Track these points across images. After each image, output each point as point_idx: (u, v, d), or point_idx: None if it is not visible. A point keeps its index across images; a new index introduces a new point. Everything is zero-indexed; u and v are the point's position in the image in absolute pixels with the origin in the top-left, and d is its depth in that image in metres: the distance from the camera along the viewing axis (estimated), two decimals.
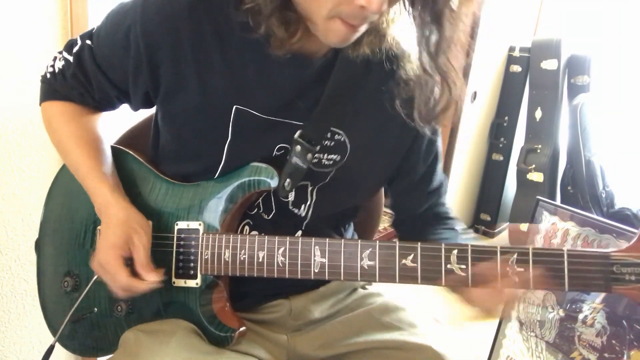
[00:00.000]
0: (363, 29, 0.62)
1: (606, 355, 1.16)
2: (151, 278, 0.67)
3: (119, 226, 0.69)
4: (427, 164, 0.83)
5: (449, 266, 0.60)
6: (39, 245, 0.85)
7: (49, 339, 0.78)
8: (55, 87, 0.78)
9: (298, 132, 0.71)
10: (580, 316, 1.22)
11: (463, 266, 0.59)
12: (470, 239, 0.80)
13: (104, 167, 0.75)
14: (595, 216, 1.22)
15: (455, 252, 0.59)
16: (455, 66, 0.67)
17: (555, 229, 1.26)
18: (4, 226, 1.13)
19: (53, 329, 0.83)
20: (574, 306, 1.24)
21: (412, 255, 0.61)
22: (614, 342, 1.15)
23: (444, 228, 0.85)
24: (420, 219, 0.87)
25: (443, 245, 0.60)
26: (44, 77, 0.79)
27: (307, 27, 0.62)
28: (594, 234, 1.17)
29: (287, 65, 0.67)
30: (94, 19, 0.78)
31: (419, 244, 0.61)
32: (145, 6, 0.65)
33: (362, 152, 0.75)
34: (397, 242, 0.62)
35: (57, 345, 0.78)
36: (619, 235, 1.12)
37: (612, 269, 0.56)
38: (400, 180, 0.84)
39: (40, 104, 0.81)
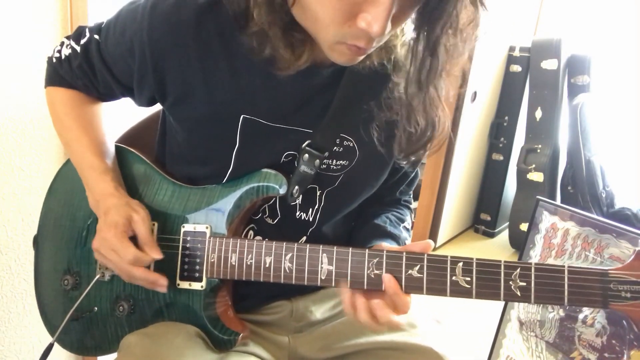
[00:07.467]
0: (371, 50, 0.60)
1: (606, 355, 1.16)
2: (154, 255, 0.68)
3: (119, 207, 0.69)
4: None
5: (454, 278, 0.61)
6: (37, 241, 0.84)
7: (49, 338, 0.78)
8: (60, 73, 0.78)
9: (306, 142, 0.70)
10: (580, 316, 1.22)
11: (468, 278, 0.60)
12: (401, 231, 0.82)
13: (107, 161, 0.75)
14: (595, 216, 1.22)
15: (460, 264, 0.61)
16: (443, 102, 0.66)
17: (555, 229, 1.26)
18: (4, 226, 1.13)
19: (50, 325, 0.82)
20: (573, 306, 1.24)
21: (418, 266, 0.62)
22: (614, 342, 1.14)
23: (392, 210, 0.86)
24: (381, 204, 0.88)
25: (449, 257, 0.61)
26: (50, 60, 0.80)
27: (315, 41, 0.61)
28: (594, 234, 1.17)
29: (294, 74, 0.65)
30: (94, 19, 0.78)
31: (425, 255, 0.62)
32: (153, 14, 0.65)
33: (370, 156, 0.75)
34: (404, 253, 0.63)
35: (56, 344, 0.78)
36: (619, 235, 1.12)
37: (610, 286, 0.57)
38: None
39: (45, 87, 0.82)
